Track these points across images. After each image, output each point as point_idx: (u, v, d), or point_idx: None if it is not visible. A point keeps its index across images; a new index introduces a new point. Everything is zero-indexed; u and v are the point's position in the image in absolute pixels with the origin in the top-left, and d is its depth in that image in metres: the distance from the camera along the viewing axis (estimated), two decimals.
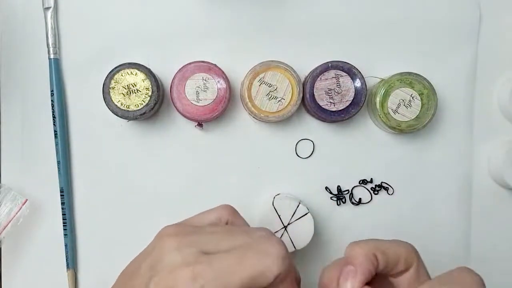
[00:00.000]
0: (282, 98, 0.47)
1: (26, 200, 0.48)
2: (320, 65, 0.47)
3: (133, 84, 0.46)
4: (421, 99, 0.47)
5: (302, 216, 0.46)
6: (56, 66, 0.49)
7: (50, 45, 0.49)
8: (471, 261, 0.51)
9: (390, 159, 0.51)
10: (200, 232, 0.33)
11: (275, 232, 0.45)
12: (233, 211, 0.37)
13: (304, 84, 0.48)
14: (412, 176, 0.51)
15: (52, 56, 0.49)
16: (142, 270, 0.31)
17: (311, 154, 0.51)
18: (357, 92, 0.47)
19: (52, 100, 0.49)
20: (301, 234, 0.46)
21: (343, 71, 0.47)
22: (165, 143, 0.50)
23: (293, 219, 0.46)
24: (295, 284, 0.33)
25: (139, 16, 0.50)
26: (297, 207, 0.46)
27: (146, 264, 0.31)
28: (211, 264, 0.29)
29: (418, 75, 0.47)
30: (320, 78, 0.47)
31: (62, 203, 0.49)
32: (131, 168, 0.50)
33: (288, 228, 0.46)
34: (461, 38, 0.51)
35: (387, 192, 0.51)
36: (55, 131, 0.49)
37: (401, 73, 0.47)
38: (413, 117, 0.47)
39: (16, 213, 0.48)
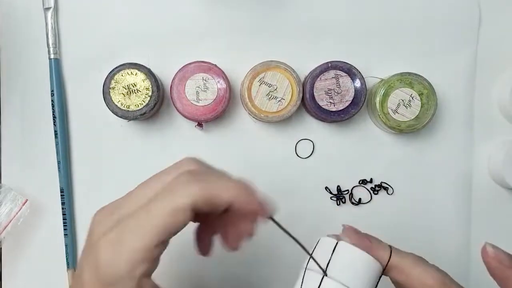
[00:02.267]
0: (282, 98, 0.47)
1: (27, 200, 0.48)
2: (320, 65, 0.47)
3: (133, 84, 0.46)
4: (420, 99, 0.47)
5: None
6: (56, 66, 0.49)
7: (50, 45, 0.49)
8: (471, 261, 0.51)
9: (390, 159, 0.51)
10: (122, 198, 0.33)
11: None
12: (196, 163, 0.33)
13: (304, 84, 0.48)
14: (412, 176, 0.51)
15: (52, 56, 0.49)
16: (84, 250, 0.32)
17: (311, 154, 0.51)
18: (357, 92, 0.47)
19: (52, 100, 0.49)
20: None
21: (343, 71, 0.47)
22: (165, 143, 0.50)
23: None
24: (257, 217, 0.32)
25: (139, 16, 0.50)
26: None
27: (85, 245, 0.32)
28: (121, 226, 0.30)
29: (418, 75, 0.47)
30: (320, 78, 0.47)
31: (62, 203, 0.49)
32: (131, 168, 0.50)
33: None
34: (461, 38, 0.51)
35: (387, 192, 0.51)
36: (55, 131, 0.49)
37: (401, 73, 0.47)
38: (412, 117, 0.47)
39: (17, 213, 0.48)
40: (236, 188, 0.31)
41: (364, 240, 0.34)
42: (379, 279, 0.32)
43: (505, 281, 0.33)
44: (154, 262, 0.30)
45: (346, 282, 0.30)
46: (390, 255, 0.33)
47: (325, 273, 0.31)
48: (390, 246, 0.34)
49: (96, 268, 0.29)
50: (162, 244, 0.30)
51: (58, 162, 0.49)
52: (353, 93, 0.47)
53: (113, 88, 0.46)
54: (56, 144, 0.49)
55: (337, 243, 0.32)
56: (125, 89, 0.46)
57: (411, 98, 0.47)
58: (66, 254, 0.50)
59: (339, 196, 0.51)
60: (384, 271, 0.33)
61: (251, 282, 0.51)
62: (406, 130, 0.47)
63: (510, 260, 0.33)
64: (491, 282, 0.52)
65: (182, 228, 0.30)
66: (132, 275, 0.29)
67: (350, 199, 0.51)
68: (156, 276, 0.31)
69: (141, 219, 0.29)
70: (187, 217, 0.29)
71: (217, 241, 0.36)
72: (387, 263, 0.33)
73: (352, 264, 0.31)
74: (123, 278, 0.29)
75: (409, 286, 0.33)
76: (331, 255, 0.32)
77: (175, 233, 0.30)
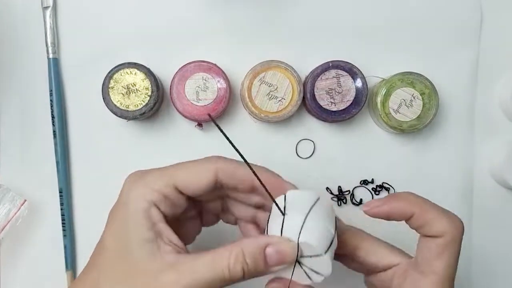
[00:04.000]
0: (282, 98, 0.47)
1: (25, 200, 0.48)
2: (321, 65, 0.47)
3: (132, 84, 0.46)
4: (422, 99, 0.47)
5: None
6: (55, 66, 0.49)
7: (49, 45, 0.49)
8: (472, 262, 0.51)
9: (391, 159, 0.51)
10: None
11: None
12: (228, 162, 0.36)
13: (304, 84, 0.48)
14: (413, 176, 0.51)
15: (51, 56, 0.49)
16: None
17: (312, 154, 0.51)
18: (358, 92, 0.47)
19: (51, 100, 0.49)
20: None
21: (344, 70, 0.47)
22: (164, 143, 0.50)
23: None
24: None
25: (139, 15, 0.50)
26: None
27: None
28: (146, 171, 0.36)
29: (420, 74, 0.47)
30: (321, 78, 0.47)
31: (61, 204, 0.49)
32: (130, 168, 0.50)
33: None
34: (462, 37, 0.51)
35: (388, 192, 0.51)
36: (54, 131, 0.49)
37: (402, 73, 0.47)
38: (414, 117, 0.47)
39: (15, 214, 0.48)
40: (257, 168, 0.34)
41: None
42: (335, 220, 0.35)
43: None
44: (167, 201, 0.34)
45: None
46: None
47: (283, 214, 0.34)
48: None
49: (119, 196, 0.35)
50: (179, 193, 0.34)
51: (57, 162, 0.49)
52: (354, 93, 0.47)
53: (112, 87, 0.46)
54: (55, 144, 0.49)
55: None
56: (125, 88, 0.46)
57: (412, 98, 0.47)
58: (65, 254, 0.49)
59: (340, 196, 0.50)
60: None
61: None
62: (408, 130, 0.47)
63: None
64: (493, 281, 0.52)
65: (199, 189, 0.34)
66: (144, 198, 0.33)
67: (351, 200, 0.51)
68: None
69: (163, 170, 0.35)
70: (209, 180, 0.34)
71: None
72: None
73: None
74: (136, 197, 0.33)
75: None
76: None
77: (192, 191, 0.34)
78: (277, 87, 0.47)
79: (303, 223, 0.33)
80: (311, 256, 0.33)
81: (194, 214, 0.40)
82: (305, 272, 0.34)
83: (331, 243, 0.33)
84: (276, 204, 0.34)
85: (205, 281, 0.31)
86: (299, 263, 0.33)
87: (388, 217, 0.36)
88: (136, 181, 0.34)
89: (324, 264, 0.33)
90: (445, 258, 0.34)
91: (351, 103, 0.47)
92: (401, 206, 0.35)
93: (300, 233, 0.32)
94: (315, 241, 0.32)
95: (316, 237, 0.32)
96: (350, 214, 0.51)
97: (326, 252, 0.33)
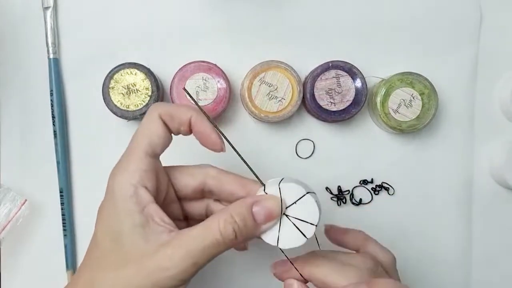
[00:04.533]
0: (282, 98, 0.47)
1: (26, 200, 0.48)
2: (321, 65, 0.47)
3: (132, 84, 0.46)
4: (421, 99, 0.47)
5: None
6: (55, 66, 0.49)
7: (50, 45, 0.49)
8: (472, 261, 0.51)
9: (390, 159, 0.51)
10: None
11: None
12: (167, 104, 0.37)
13: (304, 84, 0.48)
14: (413, 176, 0.51)
15: (51, 56, 0.49)
16: None
17: (312, 154, 0.51)
18: (358, 92, 0.47)
19: (51, 100, 0.49)
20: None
21: (343, 70, 0.47)
22: None
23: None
24: None
25: (139, 16, 0.50)
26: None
27: None
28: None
29: (419, 75, 0.47)
30: (321, 78, 0.47)
31: (62, 204, 0.49)
32: None
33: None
34: (462, 38, 0.51)
35: (388, 192, 0.51)
36: (54, 131, 0.49)
37: (401, 73, 0.47)
38: (413, 117, 0.47)
39: (16, 214, 0.48)
40: (192, 110, 0.36)
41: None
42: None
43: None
44: (151, 174, 0.34)
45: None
46: None
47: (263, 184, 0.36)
48: None
49: (105, 192, 0.35)
50: (150, 156, 0.35)
51: (57, 162, 0.49)
52: (354, 93, 0.47)
53: (113, 87, 0.46)
54: (55, 144, 0.49)
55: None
56: (125, 89, 0.46)
57: (412, 98, 0.47)
58: (65, 254, 0.49)
59: (340, 196, 0.51)
60: None
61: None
62: (407, 130, 0.47)
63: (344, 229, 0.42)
64: (493, 282, 0.52)
65: (159, 136, 0.35)
66: (129, 183, 0.33)
67: (351, 200, 0.51)
68: None
69: (129, 145, 0.36)
70: (159, 123, 0.35)
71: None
72: None
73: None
74: (120, 184, 0.33)
75: None
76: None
77: (157, 144, 0.35)
78: (277, 87, 0.47)
79: (281, 179, 0.35)
80: (295, 202, 0.34)
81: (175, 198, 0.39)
82: (294, 225, 0.34)
83: (312, 191, 0.35)
84: (256, 177, 0.36)
85: (200, 249, 0.32)
86: (286, 216, 0.34)
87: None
88: (117, 170, 0.35)
89: (310, 209, 0.34)
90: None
91: (351, 103, 0.47)
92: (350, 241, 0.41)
93: (280, 182, 0.34)
94: (294, 184, 0.34)
95: (296, 182, 0.35)
96: (349, 214, 0.51)
97: (308, 192, 0.34)
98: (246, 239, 0.34)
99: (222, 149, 0.36)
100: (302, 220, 0.34)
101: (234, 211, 0.33)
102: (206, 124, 0.35)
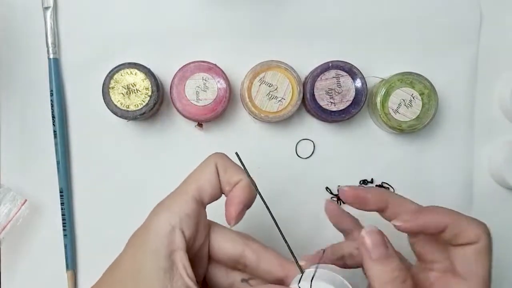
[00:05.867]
0: (282, 98, 0.47)
1: (26, 200, 0.48)
2: (321, 65, 0.47)
3: (132, 84, 0.46)
4: (421, 99, 0.47)
5: None
6: (55, 66, 0.49)
7: (50, 45, 0.49)
8: None
9: (390, 159, 0.51)
10: None
11: None
12: (226, 158, 0.36)
13: (304, 84, 0.48)
14: (413, 176, 0.51)
15: (51, 56, 0.49)
16: None
17: (312, 154, 0.51)
18: (358, 92, 0.47)
19: (51, 100, 0.49)
20: None
21: (343, 70, 0.47)
22: (165, 143, 0.50)
23: None
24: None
25: (139, 16, 0.50)
26: None
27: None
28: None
29: (419, 75, 0.47)
30: (321, 78, 0.47)
31: (62, 203, 0.49)
32: (130, 168, 0.50)
33: None
34: (462, 37, 0.51)
35: None
36: (54, 131, 0.49)
37: (401, 73, 0.47)
38: (413, 117, 0.47)
39: (16, 214, 0.48)
40: (243, 174, 0.35)
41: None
42: None
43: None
44: (191, 221, 0.33)
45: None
46: None
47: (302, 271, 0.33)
48: None
49: (144, 222, 0.34)
50: (196, 202, 0.34)
51: (57, 162, 0.49)
52: (354, 93, 0.47)
53: (113, 88, 0.46)
54: (55, 144, 0.49)
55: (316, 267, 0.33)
56: (125, 89, 0.46)
57: (412, 98, 0.47)
58: (65, 254, 0.49)
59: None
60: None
61: None
62: (407, 130, 0.47)
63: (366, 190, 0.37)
64: (493, 282, 0.52)
65: (211, 183, 0.34)
66: (168, 222, 0.32)
67: None
68: None
69: (179, 189, 0.35)
70: (212, 171, 0.34)
71: None
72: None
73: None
74: (159, 221, 0.33)
75: None
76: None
77: (209, 191, 0.34)
78: (277, 87, 0.47)
79: (316, 268, 0.32)
80: None
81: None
82: None
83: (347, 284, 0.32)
84: (296, 261, 0.33)
85: None
86: None
87: (422, 231, 0.35)
88: (160, 208, 0.34)
89: None
90: (485, 260, 0.35)
91: (351, 103, 0.47)
92: (435, 218, 0.35)
93: (313, 275, 0.32)
94: (325, 284, 0.31)
95: (329, 279, 0.31)
96: None
97: None
98: None
99: (230, 223, 0.34)
100: None
101: None
102: (246, 195, 0.34)
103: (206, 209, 0.36)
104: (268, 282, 0.35)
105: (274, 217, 0.34)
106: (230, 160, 0.35)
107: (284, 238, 0.34)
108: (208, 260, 0.36)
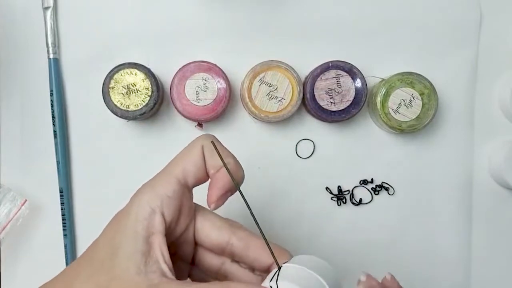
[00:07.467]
0: (282, 98, 0.47)
1: (26, 200, 0.48)
2: (321, 65, 0.47)
3: (132, 84, 0.46)
4: (421, 99, 0.47)
5: None
6: (55, 66, 0.49)
7: (50, 45, 0.49)
8: (472, 261, 0.51)
9: (390, 159, 0.51)
10: None
11: None
12: (215, 141, 0.35)
13: (304, 84, 0.48)
14: (413, 176, 0.51)
15: (51, 56, 0.49)
16: None
17: (312, 154, 0.51)
18: (358, 92, 0.47)
19: (51, 100, 0.49)
20: None
21: (343, 71, 0.47)
22: (164, 143, 0.50)
23: None
24: None
25: (139, 16, 0.50)
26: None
27: None
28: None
29: (419, 75, 0.47)
30: (321, 78, 0.47)
31: (62, 203, 0.49)
32: (130, 168, 0.50)
33: None
34: (462, 38, 0.51)
35: (388, 192, 0.51)
36: (54, 131, 0.49)
37: (401, 73, 0.47)
38: (413, 117, 0.47)
39: (16, 214, 0.48)
40: (232, 158, 0.34)
41: None
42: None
43: None
44: (173, 203, 0.32)
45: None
46: None
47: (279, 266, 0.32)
48: None
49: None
50: (180, 183, 0.33)
51: (57, 162, 0.49)
52: (354, 93, 0.47)
53: (113, 88, 0.46)
54: (55, 144, 0.49)
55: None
56: (125, 89, 0.46)
57: (412, 98, 0.47)
58: (65, 254, 0.49)
59: (340, 196, 0.51)
60: None
61: None
62: (407, 130, 0.47)
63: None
64: (493, 282, 0.52)
65: (195, 165, 0.33)
66: (148, 204, 0.32)
67: (351, 200, 0.51)
68: None
69: (164, 170, 0.34)
70: (198, 153, 0.33)
71: None
72: None
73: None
74: (140, 203, 0.32)
75: None
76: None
77: (193, 173, 0.33)
78: (277, 87, 0.47)
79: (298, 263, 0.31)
80: None
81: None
82: None
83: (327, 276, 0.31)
84: (273, 256, 0.32)
85: None
86: None
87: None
88: (144, 188, 0.33)
89: None
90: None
91: (351, 103, 0.47)
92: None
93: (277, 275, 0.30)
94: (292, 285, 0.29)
95: (300, 276, 0.30)
96: (349, 214, 0.51)
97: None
98: None
99: (210, 207, 0.34)
100: None
101: None
102: (229, 180, 0.33)
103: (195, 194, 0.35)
104: (256, 269, 0.34)
105: (249, 204, 0.34)
106: (219, 142, 0.34)
107: (258, 227, 0.33)
108: (195, 244, 0.35)
